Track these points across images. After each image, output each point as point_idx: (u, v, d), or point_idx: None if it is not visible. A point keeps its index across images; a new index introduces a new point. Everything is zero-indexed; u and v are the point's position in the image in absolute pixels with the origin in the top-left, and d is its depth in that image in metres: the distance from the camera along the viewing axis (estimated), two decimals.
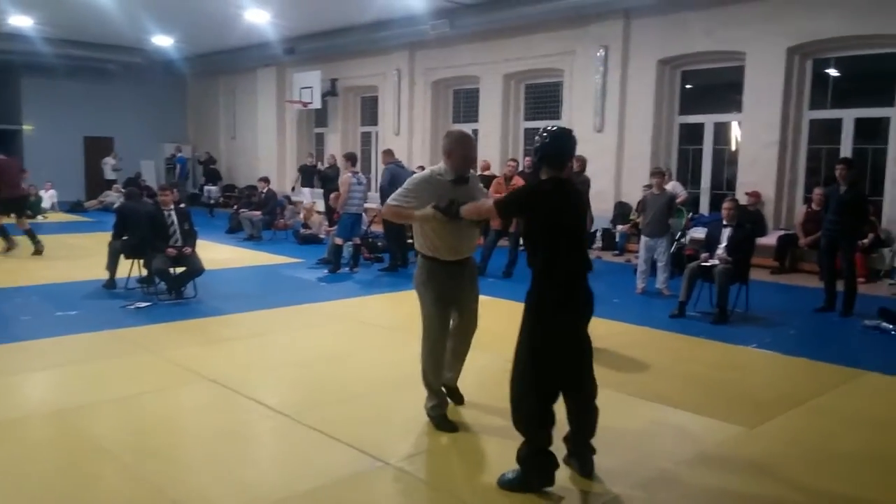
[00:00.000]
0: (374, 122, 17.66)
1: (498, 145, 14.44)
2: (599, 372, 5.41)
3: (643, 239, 8.63)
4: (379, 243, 11.17)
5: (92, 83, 20.51)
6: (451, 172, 4.08)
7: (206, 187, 19.96)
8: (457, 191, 4.04)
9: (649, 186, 9.14)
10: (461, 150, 4.08)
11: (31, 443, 4.09)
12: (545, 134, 3.58)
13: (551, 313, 3.46)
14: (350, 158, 10.31)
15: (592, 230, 11.86)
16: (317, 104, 17.47)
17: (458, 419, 4.35)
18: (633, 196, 12.02)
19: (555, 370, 3.50)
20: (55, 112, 20.20)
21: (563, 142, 3.58)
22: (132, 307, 7.39)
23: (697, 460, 3.92)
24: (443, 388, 4.41)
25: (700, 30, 11.31)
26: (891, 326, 6.86)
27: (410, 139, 16.02)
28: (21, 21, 15.38)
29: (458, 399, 4.58)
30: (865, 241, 9.06)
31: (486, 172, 12.16)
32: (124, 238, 8.26)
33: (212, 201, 18.96)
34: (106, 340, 6.18)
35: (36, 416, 4.45)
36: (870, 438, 4.31)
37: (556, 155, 3.54)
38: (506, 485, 3.49)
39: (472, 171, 4.27)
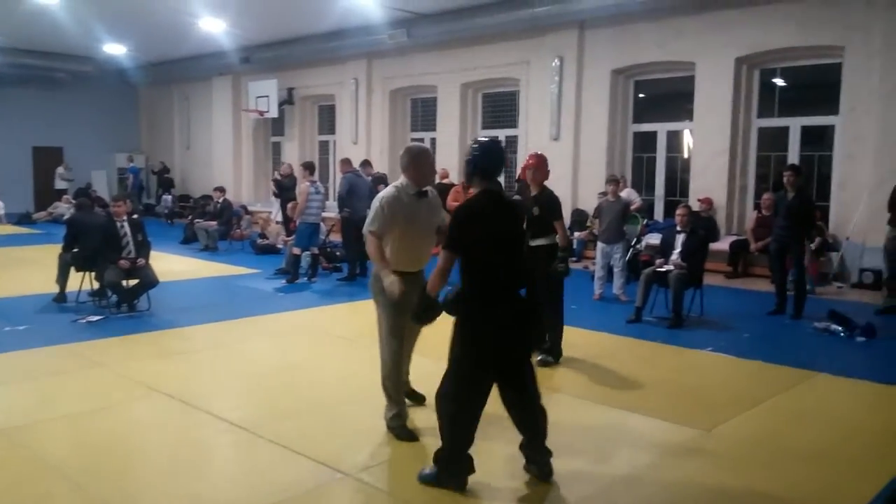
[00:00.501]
0: (331, 130, 17.58)
1: (456, 154, 14.47)
2: (559, 377, 5.48)
3: (600, 245, 8.75)
4: (337, 253, 11.10)
5: (41, 92, 19.97)
6: (413, 187, 4.20)
7: (163, 196, 19.65)
8: (420, 204, 4.20)
9: (604, 194, 9.27)
10: (420, 165, 4.22)
11: None
12: (475, 146, 3.64)
13: (482, 328, 3.44)
14: (308, 167, 10.24)
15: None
16: (273, 113, 17.32)
17: (416, 427, 4.33)
18: (589, 203, 12.17)
19: (482, 381, 3.52)
20: (2, 121, 19.60)
21: (492, 154, 3.64)
22: (84, 321, 7.20)
23: (656, 463, 3.98)
24: (404, 397, 4.41)
25: (651, 41, 11.56)
26: (840, 328, 7.06)
27: (368, 148, 15.97)
28: None
29: (419, 398, 4.64)
30: (813, 245, 9.32)
31: (445, 181, 12.20)
32: (75, 250, 8.05)
33: (167, 210, 18.62)
34: (57, 355, 6.01)
35: None
36: (821, 437, 4.43)
37: (486, 167, 3.58)
38: (423, 480, 3.59)
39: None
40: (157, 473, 3.87)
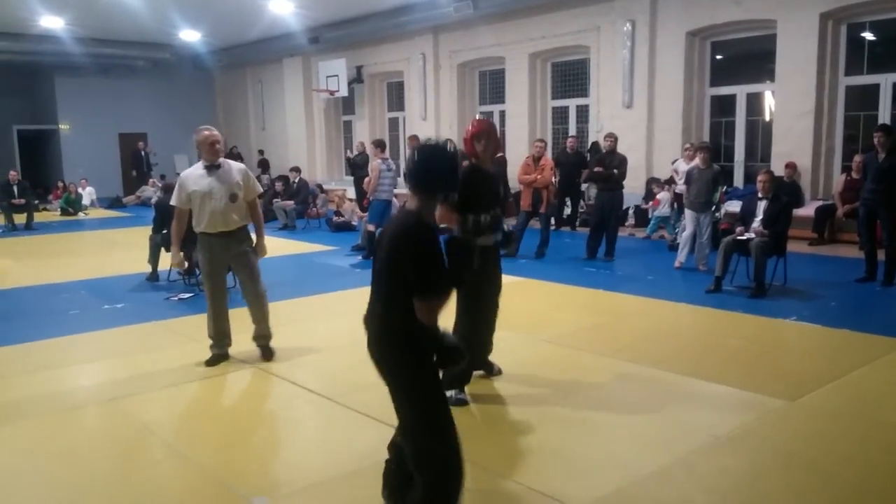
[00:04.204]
0: (400, 107, 17.70)
1: (526, 126, 14.39)
2: (638, 348, 5.42)
3: (688, 212, 8.54)
4: None
5: (122, 80, 20.90)
6: (205, 163, 5.22)
7: (260, 177, 20.31)
8: (212, 176, 5.13)
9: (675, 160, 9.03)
10: (205, 146, 5.19)
11: (88, 431, 4.27)
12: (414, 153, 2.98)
13: None
14: (379, 145, 10.37)
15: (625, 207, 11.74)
16: (343, 92, 17.55)
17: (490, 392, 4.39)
18: (664, 172, 11.90)
19: None
20: (90, 110, 20.61)
21: (431, 163, 2.93)
22: (175, 298, 7.59)
23: (739, 433, 3.92)
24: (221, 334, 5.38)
25: None
26: None
27: (438, 123, 16.02)
28: (52, 22, 15.69)
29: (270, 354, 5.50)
30: None
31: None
32: (164, 231, 8.44)
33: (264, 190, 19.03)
34: (152, 331, 6.39)
35: (91, 405, 4.62)
36: None
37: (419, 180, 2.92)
38: None
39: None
40: (248, 439, 4.08)
